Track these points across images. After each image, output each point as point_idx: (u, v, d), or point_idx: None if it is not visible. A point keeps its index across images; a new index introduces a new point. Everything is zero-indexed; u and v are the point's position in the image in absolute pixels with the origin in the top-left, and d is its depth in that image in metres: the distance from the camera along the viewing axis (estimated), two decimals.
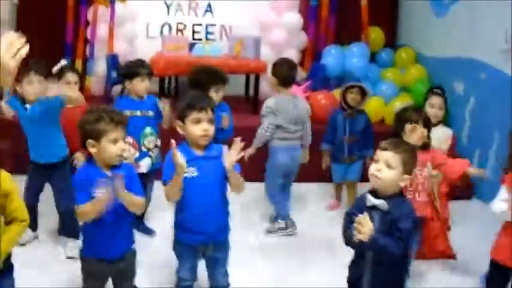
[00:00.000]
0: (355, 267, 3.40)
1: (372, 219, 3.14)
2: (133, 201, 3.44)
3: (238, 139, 3.57)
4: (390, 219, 3.19)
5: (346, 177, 6.16)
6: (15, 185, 3.28)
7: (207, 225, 3.72)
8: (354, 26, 8.72)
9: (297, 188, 6.10)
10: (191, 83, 5.24)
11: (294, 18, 8.42)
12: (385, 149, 3.26)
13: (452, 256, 4.78)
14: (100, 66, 8.02)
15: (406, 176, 3.26)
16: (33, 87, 4.78)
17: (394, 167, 3.22)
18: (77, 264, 3.72)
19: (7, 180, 3.21)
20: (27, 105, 4.84)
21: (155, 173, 5.27)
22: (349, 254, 3.46)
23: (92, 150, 3.42)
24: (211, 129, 3.66)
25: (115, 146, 3.39)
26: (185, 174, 3.54)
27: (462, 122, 7.24)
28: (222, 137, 4.89)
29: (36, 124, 4.79)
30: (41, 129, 4.84)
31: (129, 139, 5.03)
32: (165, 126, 5.17)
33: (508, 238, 3.93)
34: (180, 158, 3.42)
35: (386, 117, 7.74)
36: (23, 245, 4.98)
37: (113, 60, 7.75)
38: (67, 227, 5.08)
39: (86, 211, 3.35)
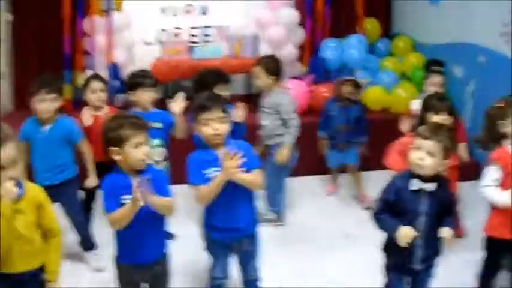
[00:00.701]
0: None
1: (419, 201, 3.43)
2: (162, 203, 3.46)
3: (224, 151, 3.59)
4: (438, 198, 3.47)
5: (343, 162, 6.47)
6: (47, 197, 3.32)
7: (236, 221, 3.81)
8: (350, 18, 8.78)
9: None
10: (196, 86, 5.25)
11: (291, 14, 8.42)
12: (426, 138, 3.41)
13: (460, 235, 4.79)
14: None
15: (446, 161, 3.45)
16: (46, 105, 4.76)
17: (436, 155, 3.40)
18: (101, 275, 3.75)
19: (39, 192, 3.27)
20: (43, 127, 4.83)
21: None
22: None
23: (117, 157, 3.44)
24: (222, 128, 3.71)
25: (139, 150, 3.41)
26: (209, 175, 3.65)
27: (463, 105, 7.31)
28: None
29: (54, 145, 4.79)
30: (56, 151, 4.86)
31: None
32: (181, 136, 5.11)
33: (502, 213, 3.98)
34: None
35: (390, 105, 7.86)
36: None
37: (114, 70, 7.72)
38: (83, 241, 5.12)
39: (117, 218, 3.38)
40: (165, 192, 3.50)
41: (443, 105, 4.54)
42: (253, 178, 3.71)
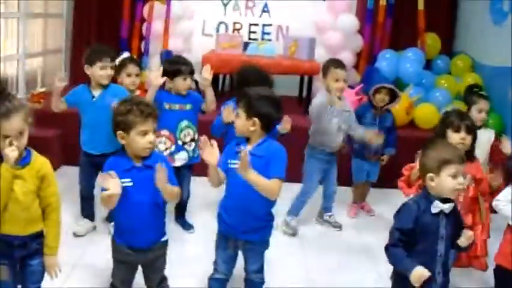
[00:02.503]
0: None
1: (439, 224, 3.36)
2: (170, 191, 3.48)
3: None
4: (454, 219, 3.42)
5: (367, 176, 6.18)
6: (53, 172, 3.39)
7: (243, 221, 3.74)
8: (410, 31, 8.62)
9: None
10: (238, 81, 5.29)
11: (350, 20, 8.34)
12: (462, 162, 3.39)
13: (483, 266, 4.63)
14: (155, 62, 8.07)
15: None
16: (107, 72, 4.95)
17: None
18: None
19: (45, 165, 3.34)
20: (94, 93, 4.98)
21: (191, 167, 5.35)
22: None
23: (122, 141, 3.48)
24: (237, 124, 3.73)
25: (144, 138, 3.41)
26: (229, 165, 3.66)
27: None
28: None
29: (103, 113, 4.71)
30: (106, 119, 4.88)
31: (166, 132, 5.11)
32: (210, 109, 5.26)
33: None
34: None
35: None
36: (82, 235, 5.14)
37: (167, 56, 7.74)
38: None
39: (103, 199, 3.39)
40: (171, 180, 3.50)
41: (463, 123, 4.36)
42: (266, 184, 3.55)
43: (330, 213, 5.93)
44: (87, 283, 4.40)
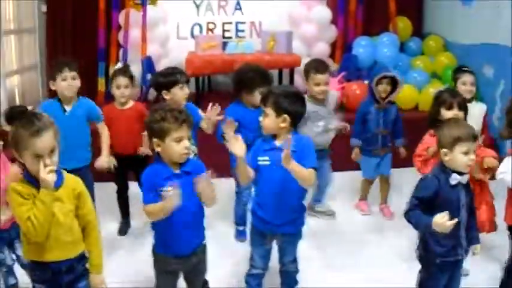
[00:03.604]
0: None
1: (458, 194, 3.57)
2: (212, 196, 3.50)
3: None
4: (468, 188, 3.68)
5: (379, 170, 6.07)
6: (85, 188, 3.38)
7: (277, 215, 3.86)
8: (382, 16, 8.85)
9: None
10: (237, 82, 5.21)
11: (324, 11, 8.53)
12: (473, 140, 3.58)
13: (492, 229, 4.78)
14: (134, 70, 8.05)
15: None
16: (68, 82, 4.81)
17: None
18: None
19: (79, 182, 3.34)
20: (66, 108, 4.88)
21: None
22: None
23: (157, 148, 3.49)
24: (266, 123, 3.83)
25: (179, 144, 3.42)
26: (259, 162, 3.76)
27: (493, 105, 7.35)
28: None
29: (74, 127, 4.76)
30: (77, 132, 4.85)
31: None
32: (208, 130, 4.96)
33: None
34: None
35: (420, 104, 7.95)
36: None
37: (147, 63, 7.83)
38: None
39: (154, 212, 3.41)
40: None
41: (455, 100, 4.56)
42: (306, 174, 3.67)
43: (320, 204, 6.01)
44: None
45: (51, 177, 3.00)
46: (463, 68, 5.92)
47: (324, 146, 5.67)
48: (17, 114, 3.13)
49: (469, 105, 4.75)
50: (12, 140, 3.08)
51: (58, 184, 3.14)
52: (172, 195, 3.28)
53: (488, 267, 4.81)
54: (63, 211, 3.18)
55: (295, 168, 3.58)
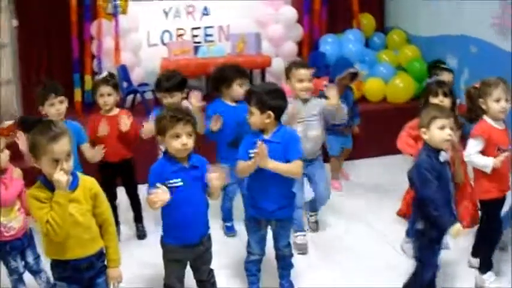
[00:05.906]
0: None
1: (447, 170, 3.95)
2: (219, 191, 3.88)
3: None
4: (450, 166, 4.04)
5: (344, 146, 6.78)
6: (100, 188, 3.57)
7: (268, 202, 4.15)
8: (346, 14, 9.19)
9: None
10: (215, 81, 5.40)
11: (290, 12, 8.81)
12: (448, 117, 3.92)
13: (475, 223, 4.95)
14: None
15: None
16: (56, 107, 4.91)
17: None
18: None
19: (94, 183, 3.53)
20: None
21: None
22: None
23: (161, 144, 3.85)
24: (253, 120, 4.12)
25: (176, 140, 3.67)
26: (251, 155, 4.00)
27: (458, 92, 7.66)
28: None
29: None
30: None
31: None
32: (199, 131, 4.68)
33: (487, 177, 4.42)
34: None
35: (387, 95, 8.30)
36: None
37: (123, 72, 7.97)
38: None
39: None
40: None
41: (440, 89, 4.96)
42: (289, 168, 4.02)
43: (312, 213, 5.80)
44: None
45: (64, 178, 3.20)
46: (442, 66, 6.28)
47: (311, 156, 5.25)
48: (34, 123, 3.35)
49: None
50: (30, 146, 3.28)
51: (74, 186, 3.36)
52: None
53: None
54: (81, 211, 3.37)
55: (272, 166, 3.95)
